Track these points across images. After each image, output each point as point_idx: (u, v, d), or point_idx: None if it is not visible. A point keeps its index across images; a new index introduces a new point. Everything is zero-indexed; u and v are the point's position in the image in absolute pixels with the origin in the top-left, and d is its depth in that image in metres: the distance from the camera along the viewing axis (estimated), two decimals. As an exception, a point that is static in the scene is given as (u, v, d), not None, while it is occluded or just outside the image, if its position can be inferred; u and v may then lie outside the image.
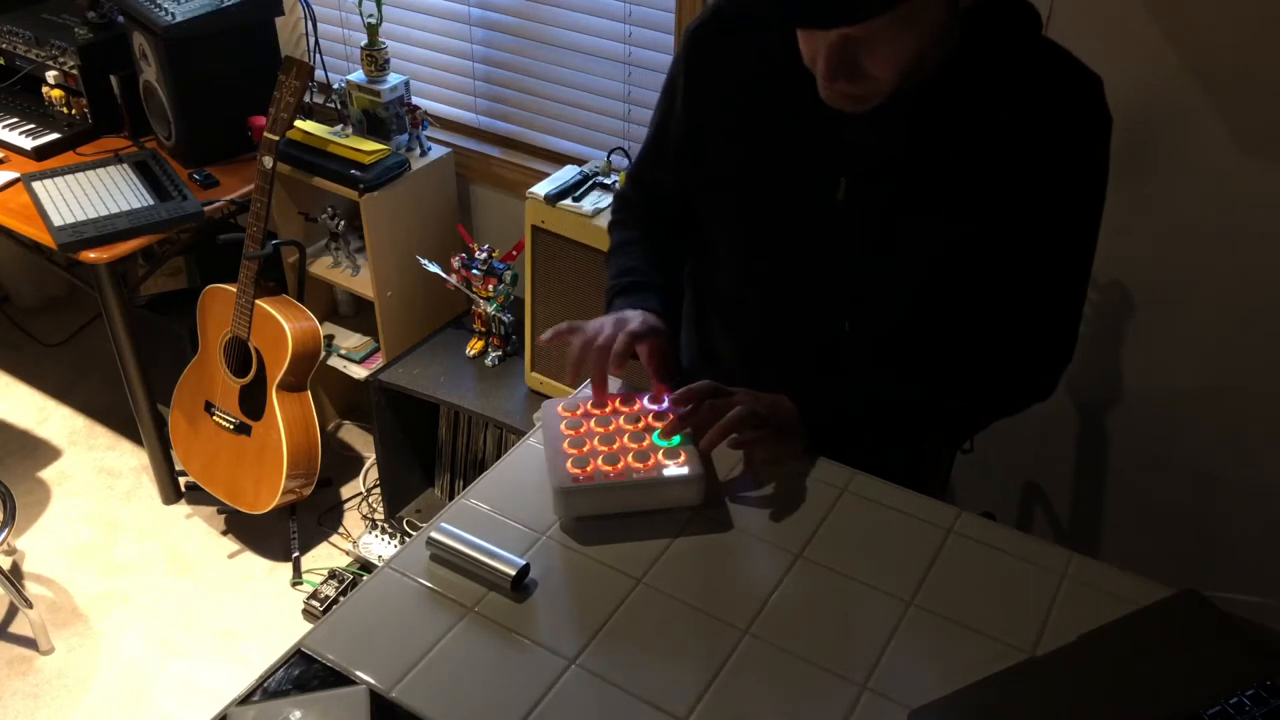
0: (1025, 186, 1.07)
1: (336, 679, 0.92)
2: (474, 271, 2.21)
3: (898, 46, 0.96)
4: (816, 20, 0.95)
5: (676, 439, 1.11)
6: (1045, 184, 1.08)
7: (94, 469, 2.67)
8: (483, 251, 2.21)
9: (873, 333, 1.21)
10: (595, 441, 1.11)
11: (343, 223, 2.37)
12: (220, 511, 2.55)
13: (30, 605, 2.21)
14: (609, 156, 2.07)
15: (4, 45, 2.57)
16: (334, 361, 2.50)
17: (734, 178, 1.19)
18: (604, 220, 1.84)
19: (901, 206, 1.11)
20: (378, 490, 2.51)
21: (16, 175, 2.33)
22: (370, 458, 2.64)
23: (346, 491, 2.63)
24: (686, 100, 1.21)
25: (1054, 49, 1.08)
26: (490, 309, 2.24)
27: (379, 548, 2.35)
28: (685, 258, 1.36)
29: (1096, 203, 1.12)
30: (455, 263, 2.23)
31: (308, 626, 2.22)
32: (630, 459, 1.08)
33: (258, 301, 2.20)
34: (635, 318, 1.16)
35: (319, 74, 2.43)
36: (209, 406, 2.38)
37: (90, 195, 2.26)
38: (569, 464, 1.08)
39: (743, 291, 1.28)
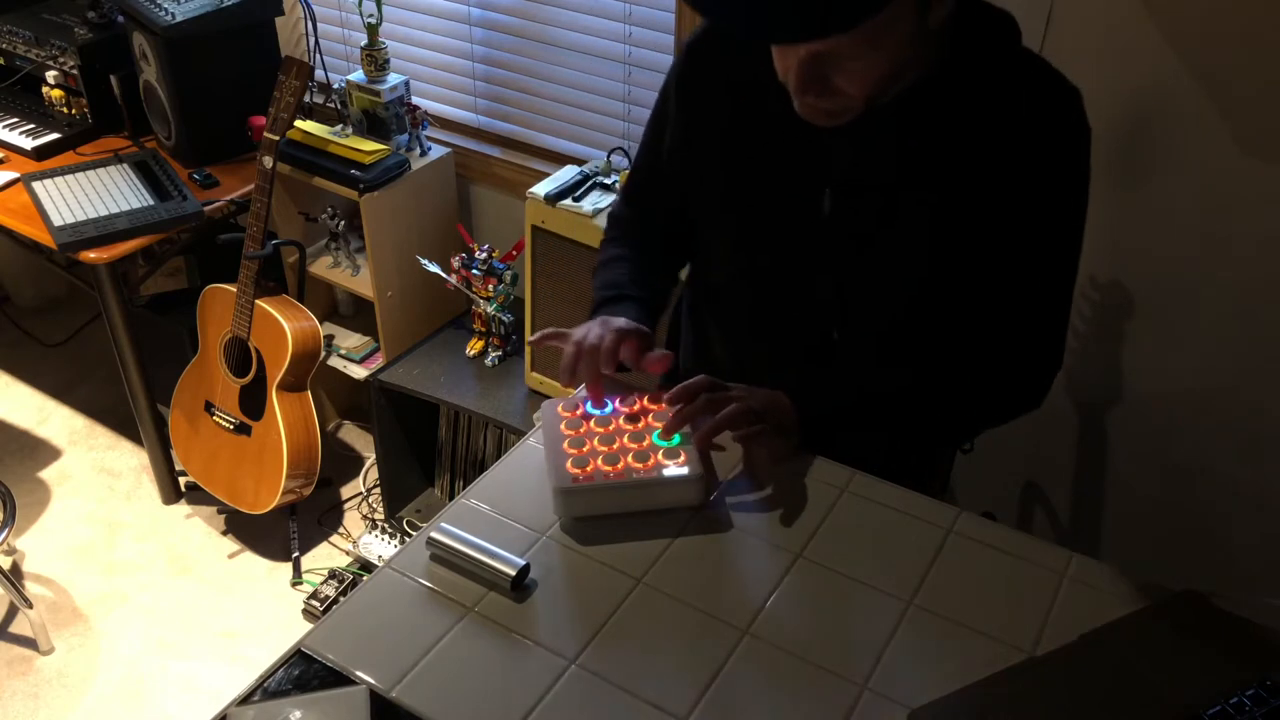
0: (1007, 198, 1.08)
1: (336, 679, 0.92)
2: (474, 271, 2.21)
3: (866, 63, 0.98)
4: (779, 36, 0.97)
5: (676, 438, 1.11)
6: (1027, 195, 1.08)
7: (94, 469, 2.67)
8: (483, 251, 2.21)
9: (861, 340, 1.23)
10: (595, 441, 1.11)
11: (343, 223, 2.37)
12: (220, 511, 2.55)
13: (30, 605, 2.21)
14: (609, 156, 2.07)
15: (4, 45, 2.57)
16: (334, 361, 2.50)
17: (725, 190, 1.21)
18: (604, 220, 1.84)
19: (885, 219, 1.12)
20: (378, 490, 2.51)
21: (16, 175, 2.33)
22: (370, 458, 2.64)
23: (346, 491, 2.63)
24: (681, 114, 1.23)
25: (1034, 60, 1.09)
26: (490, 309, 2.24)
27: (379, 548, 2.35)
28: (675, 273, 1.38)
29: (1078, 213, 1.13)
30: (455, 263, 2.23)
31: (308, 626, 2.22)
32: (630, 459, 1.08)
33: (258, 301, 2.20)
34: (619, 319, 1.19)
35: (319, 74, 2.44)
36: (209, 406, 2.38)
37: (90, 195, 2.26)
38: (569, 464, 1.08)
39: (736, 298, 1.30)
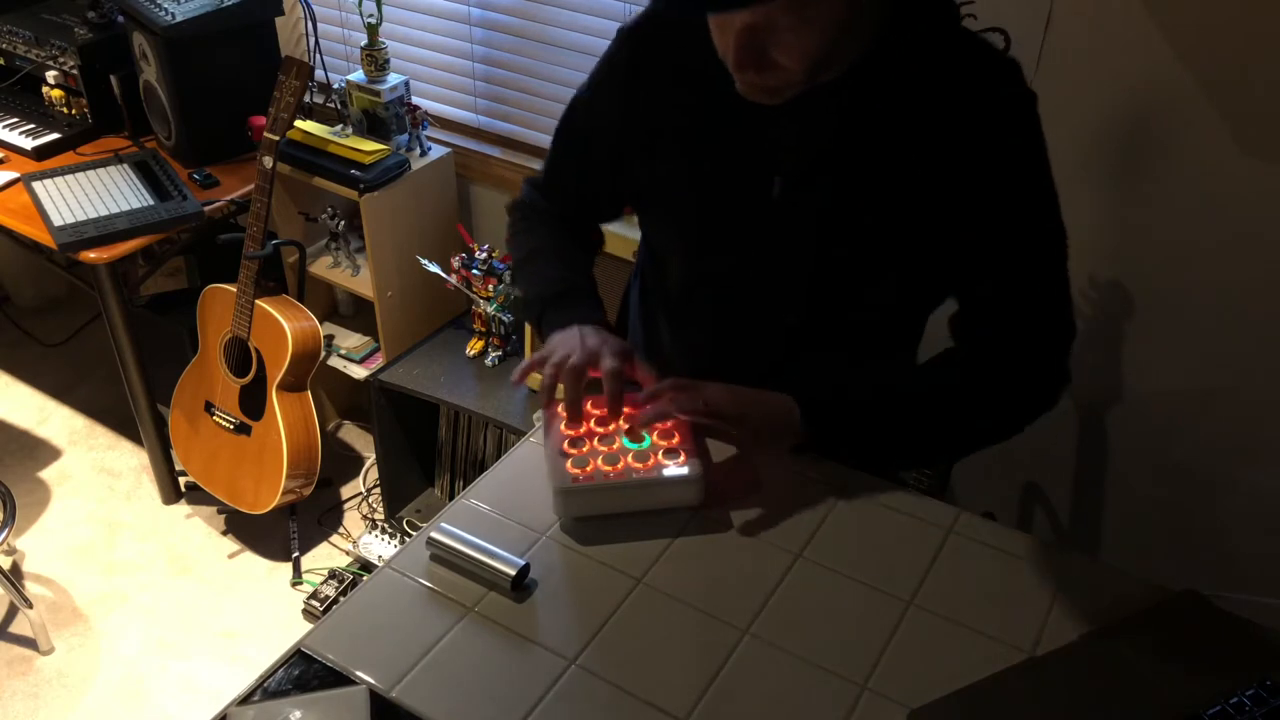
0: (961, 176, 1.07)
1: (336, 679, 0.92)
2: (474, 271, 2.21)
3: (801, 34, 0.96)
4: (712, 5, 0.97)
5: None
6: (982, 170, 1.07)
7: (94, 469, 2.67)
8: (483, 251, 2.21)
9: (819, 329, 1.21)
10: (595, 441, 1.11)
11: (343, 223, 2.37)
12: (220, 511, 2.55)
13: (30, 605, 2.21)
14: (609, 156, 2.07)
15: (4, 45, 2.57)
16: (334, 361, 2.50)
17: (675, 180, 1.19)
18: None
19: (836, 203, 1.11)
20: (378, 490, 2.51)
21: (16, 175, 2.33)
22: (370, 458, 2.64)
23: (346, 491, 2.63)
24: (624, 103, 1.20)
25: (972, 39, 1.08)
26: (490, 309, 2.24)
27: (379, 548, 2.35)
28: (593, 256, 1.37)
29: (1042, 177, 1.10)
30: (455, 263, 2.24)
31: (308, 626, 2.22)
32: (630, 459, 1.08)
33: (258, 301, 2.20)
34: (599, 343, 1.14)
35: (319, 74, 2.44)
36: (209, 406, 2.38)
37: (90, 195, 2.26)
38: (569, 464, 1.08)
39: (691, 292, 1.27)
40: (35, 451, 2.72)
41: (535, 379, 1.16)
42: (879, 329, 1.23)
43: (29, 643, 2.22)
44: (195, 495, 2.57)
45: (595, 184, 1.31)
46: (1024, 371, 1.17)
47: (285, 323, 2.18)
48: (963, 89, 1.05)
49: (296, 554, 2.42)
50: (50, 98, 2.53)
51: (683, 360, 1.30)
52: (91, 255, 2.13)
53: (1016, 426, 1.20)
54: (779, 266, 1.17)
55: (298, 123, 2.26)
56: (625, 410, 1.13)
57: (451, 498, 2.38)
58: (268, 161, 2.11)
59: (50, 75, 2.49)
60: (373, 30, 2.23)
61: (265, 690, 0.92)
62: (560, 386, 1.12)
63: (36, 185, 2.28)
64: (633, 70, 1.18)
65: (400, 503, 2.49)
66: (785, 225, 1.14)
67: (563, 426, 1.13)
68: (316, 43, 2.42)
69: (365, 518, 2.55)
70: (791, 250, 1.15)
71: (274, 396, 2.23)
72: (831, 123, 1.08)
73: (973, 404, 1.17)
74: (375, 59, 2.25)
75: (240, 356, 2.30)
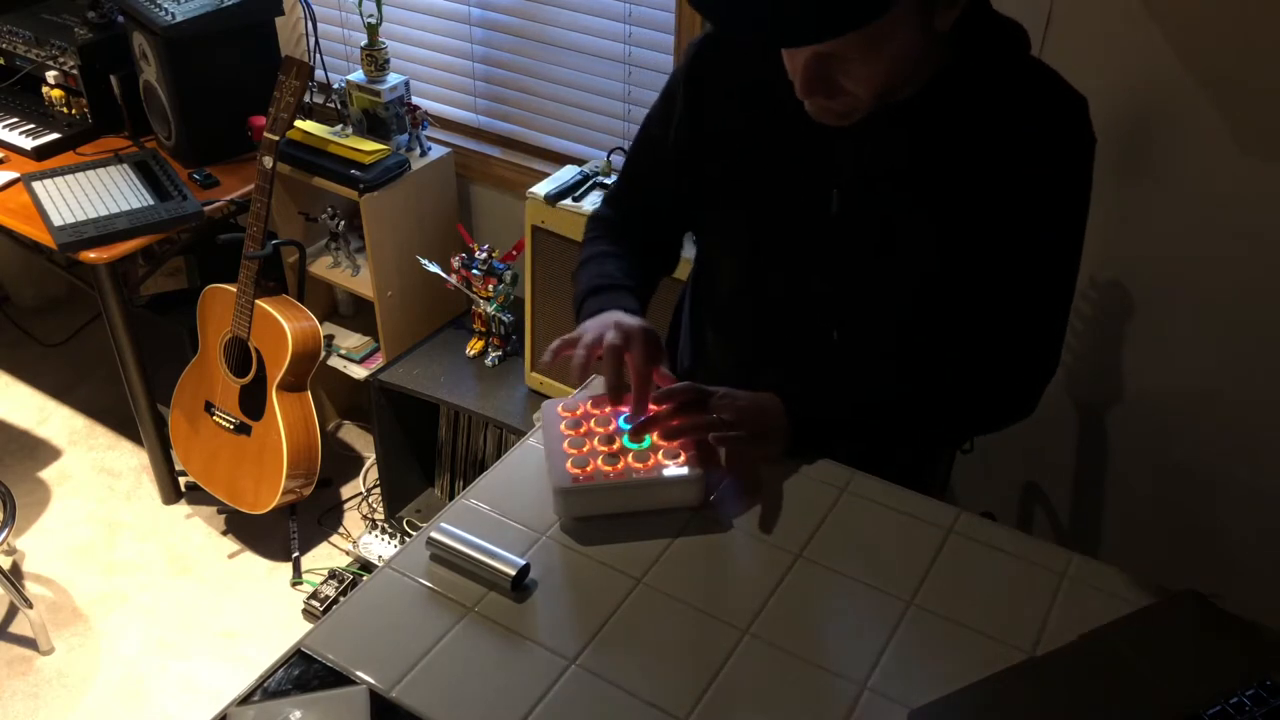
0: (1010, 204, 1.08)
1: (336, 679, 0.92)
2: (474, 271, 2.21)
3: (871, 65, 0.98)
4: (784, 40, 0.98)
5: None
6: (1030, 202, 1.08)
7: (94, 469, 2.67)
8: (483, 251, 2.21)
9: (861, 342, 1.22)
10: (595, 441, 1.11)
11: (343, 223, 2.37)
12: (220, 511, 2.55)
13: (30, 605, 2.21)
14: (609, 156, 2.07)
15: (4, 45, 2.57)
16: (334, 361, 2.50)
17: (733, 191, 1.21)
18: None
19: (891, 220, 1.13)
20: (378, 490, 2.51)
21: (16, 175, 2.33)
22: (370, 458, 2.64)
23: (346, 491, 2.63)
24: (688, 114, 1.22)
25: (1041, 69, 1.10)
26: (490, 309, 2.24)
27: (379, 548, 2.35)
28: (656, 279, 1.36)
29: (1079, 222, 1.13)
30: (455, 263, 2.23)
31: (308, 626, 2.22)
32: (630, 459, 1.08)
33: (258, 301, 2.20)
34: (629, 319, 1.15)
35: (319, 74, 2.44)
36: (209, 406, 2.38)
37: (90, 195, 2.26)
38: (569, 464, 1.08)
39: (739, 301, 1.29)
40: (35, 451, 2.72)
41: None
42: (921, 342, 1.23)
43: (29, 643, 2.22)
44: (195, 495, 2.57)
45: (659, 194, 1.32)
46: (998, 392, 1.20)
47: (285, 323, 2.18)
48: (1027, 121, 1.07)
49: (296, 554, 2.42)
50: (50, 98, 2.53)
51: (728, 371, 1.31)
52: (91, 255, 2.13)
53: (967, 435, 1.29)
54: (830, 279, 1.19)
55: (298, 123, 2.26)
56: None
57: (451, 498, 2.38)
58: (268, 161, 2.11)
59: (50, 75, 2.49)
60: (373, 30, 2.23)
61: (265, 690, 0.92)
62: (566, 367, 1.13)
63: (36, 185, 2.28)
64: (695, 81, 1.20)
65: (400, 503, 2.49)
66: (840, 239, 1.16)
67: (563, 426, 1.13)
68: (316, 43, 2.42)
69: (365, 518, 2.55)
70: (844, 264, 1.17)
71: (274, 396, 2.23)
72: (898, 143, 1.09)
73: (940, 413, 1.20)
74: (375, 59, 2.25)
75: (240, 356, 2.30)
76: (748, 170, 1.18)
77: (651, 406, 1.13)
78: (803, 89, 1.02)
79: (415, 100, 2.33)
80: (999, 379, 1.19)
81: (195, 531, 2.51)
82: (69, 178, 2.32)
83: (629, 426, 1.11)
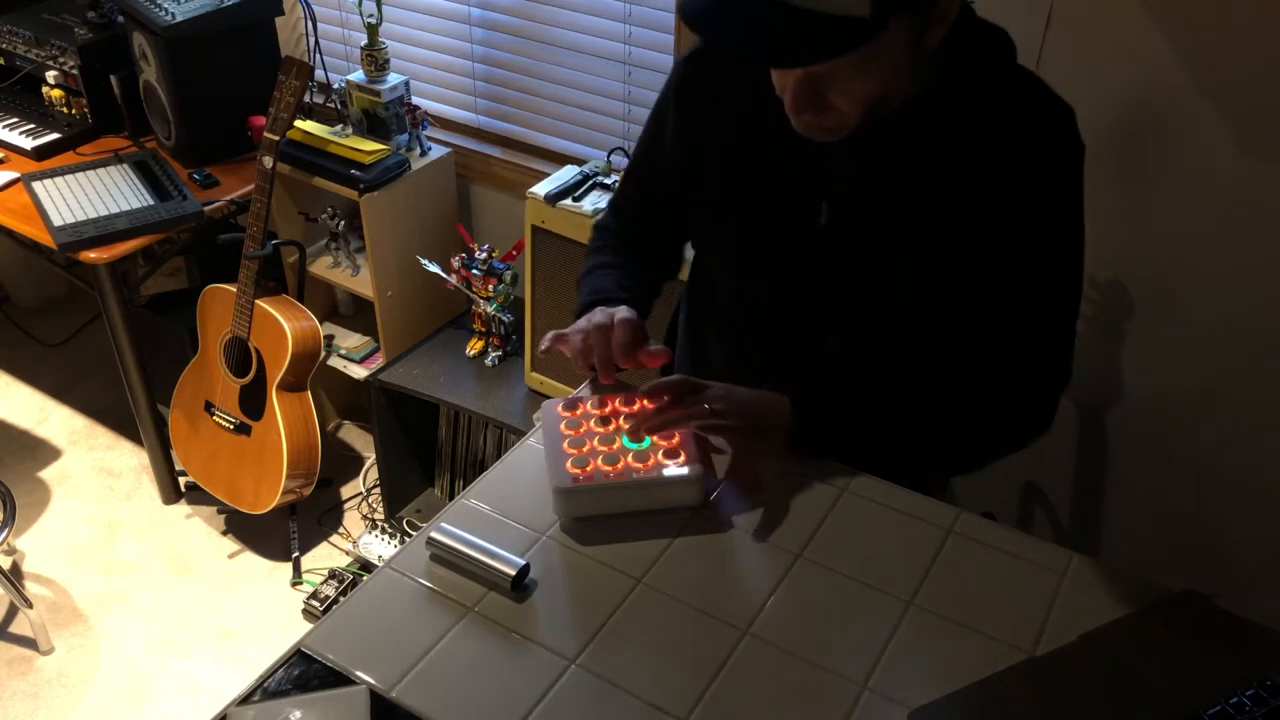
0: (1000, 215, 1.09)
1: (336, 679, 0.92)
2: (474, 271, 2.21)
3: (861, 82, 0.99)
4: (775, 60, 0.99)
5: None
6: (1019, 212, 1.08)
7: (94, 469, 2.67)
8: (483, 251, 2.21)
9: (854, 351, 1.23)
10: (595, 441, 1.11)
11: (343, 223, 2.37)
12: (220, 511, 2.55)
13: (30, 605, 2.21)
14: (609, 156, 2.07)
15: (4, 45, 2.57)
16: (334, 361, 2.50)
17: (724, 202, 1.22)
18: (604, 220, 1.84)
19: (881, 231, 1.13)
20: (378, 490, 2.51)
21: (16, 175, 2.33)
22: (370, 458, 2.64)
23: (346, 491, 2.63)
24: (678, 127, 1.23)
25: (1028, 78, 1.10)
26: (490, 309, 2.24)
27: (379, 548, 2.35)
28: (659, 285, 1.39)
29: (1073, 229, 1.12)
30: (455, 263, 2.24)
31: (308, 626, 2.22)
32: (630, 459, 1.08)
33: (258, 301, 2.20)
34: (617, 308, 1.20)
35: (319, 74, 2.44)
36: (209, 406, 2.38)
37: (90, 195, 2.26)
38: (569, 464, 1.08)
39: (733, 307, 1.30)
40: (35, 451, 2.72)
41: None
42: (916, 351, 1.23)
43: (29, 643, 2.22)
44: (195, 495, 2.57)
45: (657, 203, 1.33)
46: (1011, 405, 1.19)
47: (285, 323, 2.18)
48: (1014, 130, 1.07)
49: (296, 554, 2.42)
50: (50, 98, 2.53)
51: (729, 374, 1.31)
52: (91, 255, 2.13)
53: (988, 455, 1.24)
54: (820, 289, 1.19)
55: (298, 123, 2.26)
56: (639, 403, 1.15)
57: (451, 498, 2.38)
58: (268, 161, 2.11)
59: (50, 75, 2.49)
60: (373, 30, 2.23)
61: (265, 690, 0.92)
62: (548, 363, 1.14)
63: (36, 185, 2.28)
64: (685, 92, 1.22)
65: (400, 503, 2.49)
66: (829, 250, 1.16)
67: (563, 426, 1.13)
68: (316, 43, 2.42)
69: (365, 518, 2.55)
70: (833, 274, 1.17)
71: (274, 396, 2.23)
72: (887, 155, 1.10)
73: (953, 424, 1.19)
74: (375, 59, 2.25)
75: (240, 356, 2.30)
76: (737, 182, 1.19)
77: (645, 402, 1.14)
78: (792, 107, 1.03)
79: (415, 100, 2.33)
80: (1009, 393, 1.17)
81: (195, 531, 2.51)
82: (69, 178, 2.32)
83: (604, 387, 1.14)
